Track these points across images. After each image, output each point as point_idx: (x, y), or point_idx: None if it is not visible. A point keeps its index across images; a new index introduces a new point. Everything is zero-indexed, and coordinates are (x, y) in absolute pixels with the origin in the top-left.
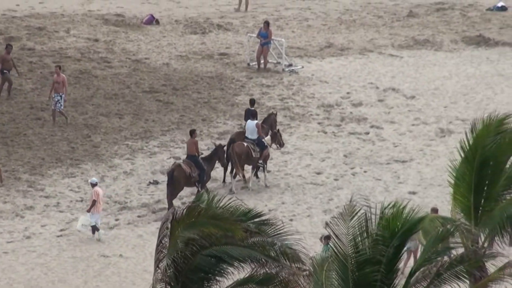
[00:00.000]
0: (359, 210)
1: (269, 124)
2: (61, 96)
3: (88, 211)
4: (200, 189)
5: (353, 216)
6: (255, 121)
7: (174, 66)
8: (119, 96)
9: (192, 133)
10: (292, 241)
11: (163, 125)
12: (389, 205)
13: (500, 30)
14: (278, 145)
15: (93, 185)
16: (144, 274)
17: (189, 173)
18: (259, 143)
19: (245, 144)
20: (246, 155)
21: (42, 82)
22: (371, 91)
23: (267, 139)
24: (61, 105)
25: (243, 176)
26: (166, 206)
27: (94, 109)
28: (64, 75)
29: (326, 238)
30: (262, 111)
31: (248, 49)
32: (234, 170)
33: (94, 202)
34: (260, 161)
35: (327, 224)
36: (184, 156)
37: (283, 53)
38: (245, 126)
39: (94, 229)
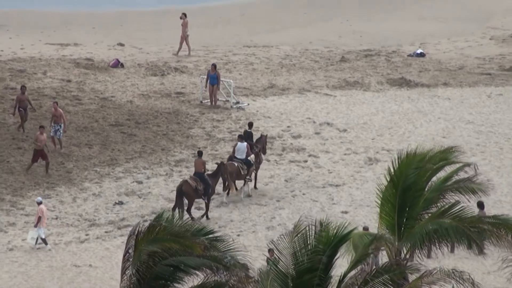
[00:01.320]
0: (304, 229)
1: (261, 143)
2: (60, 126)
3: (35, 226)
4: (206, 201)
5: (298, 234)
6: (245, 143)
7: (137, 103)
8: (89, 128)
9: (201, 154)
10: (240, 254)
11: (127, 154)
12: (325, 223)
13: (419, 73)
14: (258, 162)
15: (38, 203)
16: (111, 281)
17: (195, 186)
18: (246, 162)
19: (236, 164)
20: (237, 172)
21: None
22: (309, 125)
23: (252, 157)
24: (60, 133)
25: (236, 189)
26: (130, 223)
27: (67, 140)
28: (60, 109)
29: (270, 251)
30: (213, 142)
31: (201, 89)
32: (227, 185)
33: (39, 218)
34: (248, 177)
35: (272, 241)
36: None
37: (231, 92)
38: (235, 147)
39: (44, 241)
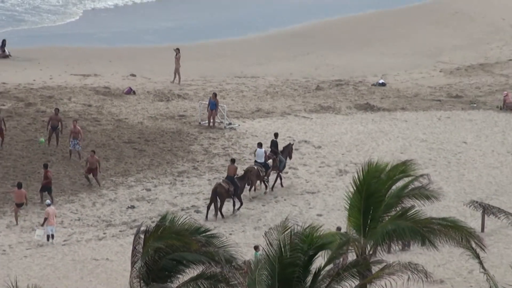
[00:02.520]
0: (288, 228)
1: (287, 151)
2: (77, 141)
3: (42, 225)
4: (235, 200)
5: (284, 232)
6: (263, 149)
7: (146, 124)
8: (106, 145)
9: (233, 161)
10: (232, 250)
11: (138, 166)
12: (308, 225)
13: (381, 100)
14: (275, 166)
15: (47, 205)
16: (124, 273)
17: (227, 188)
18: (265, 165)
19: (256, 167)
20: (257, 174)
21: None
22: (299, 148)
23: (269, 162)
24: (79, 146)
25: (255, 189)
26: (139, 223)
27: (88, 155)
28: (79, 127)
29: (256, 247)
30: (210, 156)
31: (200, 112)
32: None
33: (45, 219)
34: (266, 178)
35: (265, 234)
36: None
37: (225, 115)
38: (255, 152)
39: (49, 237)
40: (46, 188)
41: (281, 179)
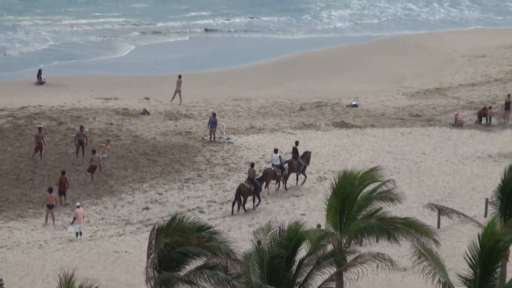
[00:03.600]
0: (274, 228)
1: (306, 158)
2: (104, 155)
3: (71, 223)
4: (256, 198)
5: (270, 231)
6: (278, 154)
7: (158, 139)
8: (125, 157)
9: (253, 165)
10: (230, 244)
11: (151, 174)
12: (292, 224)
13: (354, 118)
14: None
15: (77, 207)
16: (141, 263)
17: (249, 188)
18: (280, 167)
19: (273, 168)
20: (274, 174)
21: (69, 148)
22: (286, 158)
23: (286, 165)
24: (103, 157)
25: (270, 186)
26: (153, 222)
27: (110, 164)
28: (110, 146)
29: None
30: (211, 166)
31: (203, 129)
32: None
33: (74, 218)
34: (282, 178)
35: (253, 233)
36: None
37: (224, 131)
38: (272, 156)
39: (78, 234)
40: (62, 192)
41: (297, 179)
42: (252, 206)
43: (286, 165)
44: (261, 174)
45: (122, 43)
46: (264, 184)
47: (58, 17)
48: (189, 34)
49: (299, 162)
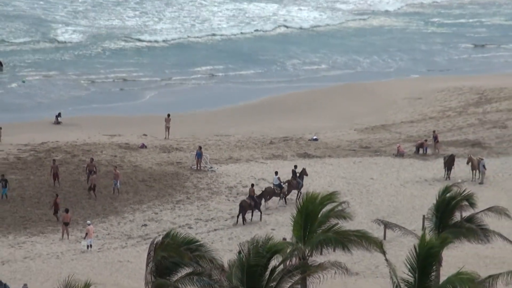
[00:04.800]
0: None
1: (303, 174)
2: (117, 181)
3: (84, 238)
4: (258, 211)
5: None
6: (277, 176)
7: (154, 168)
8: (127, 183)
9: (253, 185)
10: (213, 254)
11: (149, 197)
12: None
13: (315, 150)
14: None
15: (88, 224)
16: (140, 271)
17: (249, 203)
18: (279, 186)
19: (272, 187)
20: (273, 192)
21: (82, 176)
22: (252, 179)
23: (285, 185)
24: (119, 185)
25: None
26: (151, 237)
27: (116, 190)
28: (118, 171)
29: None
30: (198, 190)
31: (191, 160)
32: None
33: (86, 234)
34: (281, 195)
35: (239, 244)
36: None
37: (208, 161)
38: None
39: (88, 246)
40: (56, 210)
41: (297, 197)
42: (250, 219)
43: (286, 184)
44: (259, 192)
45: (123, 92)
46: (264, 200)
47: (76, 72)
48: (183, 84)
49: (297, 181)
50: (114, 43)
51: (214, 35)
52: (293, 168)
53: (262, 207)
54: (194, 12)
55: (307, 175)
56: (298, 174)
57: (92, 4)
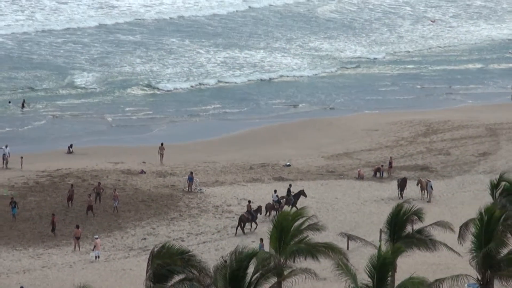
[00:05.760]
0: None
1: (298, 194)
2: (117, 201)
3: (92, 250)
4: (255, 223)
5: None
6: (276, 193)
7: (152, 190)
8: (129, 203)
9: (250, 201)
10: (203, 263)
11: (148, 215)
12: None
13: (288, 174)
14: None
15: (96, 238)
16: (141, 277)
17: (247, 216)
18: (278, 201)
19: (271, 203)
20: (272, 207)
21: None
22: (235, 200)
23: (283, 201)
24: (118, 204)
25: (269, 215)
26: (150, 248)
27: (118, 209)
28: (117, 193)
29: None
30: (189, 208)
31: (183, 183)
32: (266, 213)
33: (94, 246)
34: (279, 208)
35: (228, 254)
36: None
37: (198, 184)
38: (272, 195)
39: (96, 257)
40: (53, 228)
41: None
42: (249, 230)
43: (283, 200)
44: (256, 207)
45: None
46: (264, 212)
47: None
48: (178, 121)
49: (290, 199)
50: (124, 88)
51: (204, 84)
52: (288, 187)
53: (259, 220)
54: (192, 59)
55: (305, 196)
56: (293, 193)
57: (105, 52)
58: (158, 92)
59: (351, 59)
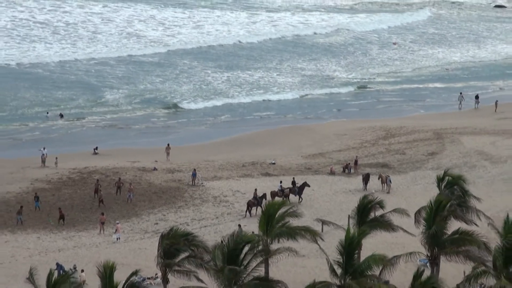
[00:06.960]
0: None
1: (303, 186)
2: (131, 193)
3: (115, 233)
4: (260, 208)
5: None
6: (280, 184)
7: (163, 184)
8: (144, 194)
9: (256, 190)
10: (204, 243)
11: (159, 204)
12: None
13: (273, 170)
14: (290, 191)
15: (117, 223)
16: (154, 254)
17: (253, 202)
18: (282, 191)
19: (276, 191)
20: (276, 194)
21: (112, 190)
22: (230, 192)
23: (287, 190)
24: (133, 196)
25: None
26: (161, 231)
27: (135, 199)
28: (132, 186)
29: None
30: (193, 198)
31: (188, 178)
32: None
33: (116, 230)
34: (283, 197)
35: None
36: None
37: (200, 179)
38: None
39: (117, 239)
40: (62, 217)
41: (299, 201)
42: (255, 213)
43: (287, 189)
44: (261, 194)
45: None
46: (265, 199)
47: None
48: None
49: (295, 189)
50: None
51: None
52: (292, 179)
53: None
54: (202, 77)
55: (309, 186)
56: (298, 184)
57: (129, 72)
58: (178, 111)
59: (329, 78)
